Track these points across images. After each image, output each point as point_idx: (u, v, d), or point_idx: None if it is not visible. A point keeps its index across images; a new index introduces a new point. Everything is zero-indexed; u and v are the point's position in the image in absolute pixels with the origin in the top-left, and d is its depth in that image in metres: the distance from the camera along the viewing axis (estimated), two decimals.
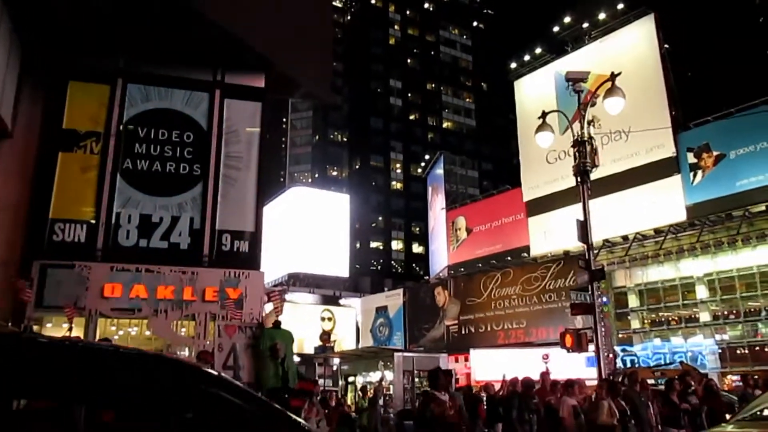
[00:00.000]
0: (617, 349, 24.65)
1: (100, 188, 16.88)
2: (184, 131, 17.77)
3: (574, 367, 17.33)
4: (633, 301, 27.23)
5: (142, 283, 16.47)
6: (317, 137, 78.69)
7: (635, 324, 27.07)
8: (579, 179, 12.73)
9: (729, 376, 22.63)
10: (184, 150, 17.71)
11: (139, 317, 16.64)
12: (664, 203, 25.07)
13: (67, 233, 16.45)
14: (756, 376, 13.72)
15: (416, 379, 23.00)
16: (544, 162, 29.42)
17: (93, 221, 16.79)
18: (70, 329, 10.89)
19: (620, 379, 11.94)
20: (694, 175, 24.85)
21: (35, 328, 15.11)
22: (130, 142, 17.39)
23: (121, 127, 17.41)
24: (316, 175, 75.84)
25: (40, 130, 17.21)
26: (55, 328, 13.88)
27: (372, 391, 16.78)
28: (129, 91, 17.75)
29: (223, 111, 18.19)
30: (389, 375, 23.62)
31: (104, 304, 16.13)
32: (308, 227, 42.89)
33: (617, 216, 25.86)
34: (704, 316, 24.96)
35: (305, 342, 36.01)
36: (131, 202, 17.14)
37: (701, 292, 25.04)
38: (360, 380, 26.95)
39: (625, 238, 26.55)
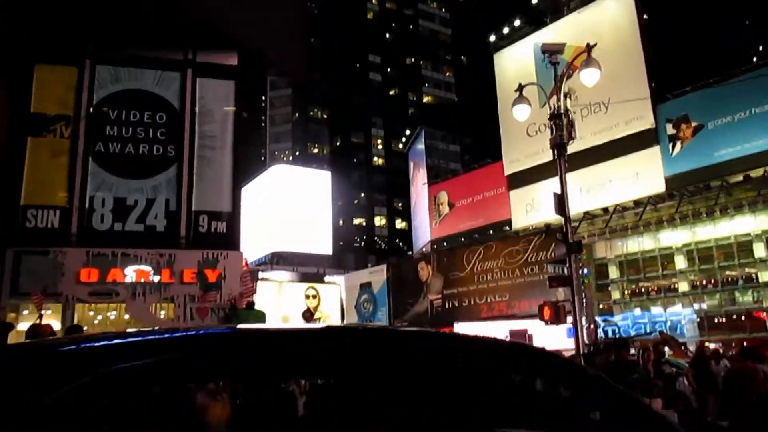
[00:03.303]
0: (598, 319, 24.89)
1: (72, 173, 16.62)
2: (156, 112, 17.50)
3: (557, 339, 17.51)
4: (613, 272, 27.46)
5: (118, 267, 16.33)
6: (297, 115, 78.04)
7: (616, 295, 27.33)
8: (556, 152, 12.65)
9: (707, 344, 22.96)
10: (157, 131, 17.44)
11: (116, 301, 16.51)
12: (644, 175, 25.17)
13: (40, 219, 16.21)
14: (713, 346, 13.67)
15: None
16: (524, 135, 29.35)
17: (66, 206, 16.56)
18: (40, 316, 10.72)
19: (598, 350, 12.02)
20: (673, 147, 24.93)
21: (11, 316, 14.93)
22: (101, 124, 17.10)
23: (91, 110, 17.10)
24: (297, 153, 75.38)
25: (7, 115, 16.87)
26: (31, 315, 13.71)
27: None
28: (98, 73, 17.41)
29: (195, 90, 17.92)
30: None
31: (81, 289, 15.98)
32: (290, 205, 42.67)
33: (597, 188, 25.97)
34: (683, 286, 25.24)
35: (291, 320, 36.02)
36: (105, 186, 16.90)
37: (680, 262, 25.29)
38: None
39: (605, 210, 26.67)
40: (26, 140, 16.48)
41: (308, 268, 40.83)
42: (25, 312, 15.20)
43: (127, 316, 16.71)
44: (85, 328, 14.66)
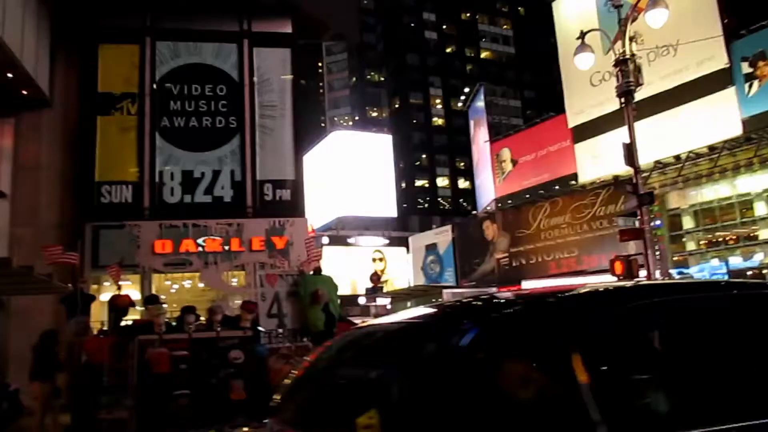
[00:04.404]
0: (673, 272, 24.13)
1: (140, 148, 17.16)
2: (217, 84, 17.77)
3: None
4: (688, 223, 26.44)
5: (190, 238, 16.85)
6: (354, 79, 77.84)
7: (691, 246, 26.36)
8: (623, 100, 12.16)
9: None
10: (219, 103, 17.74)
11: (190, 271, 17.11)
12: (718, 118, 23.92)
13: (114, 194, 16.87)
14: None
15: None
16: (588, 85, 28.34)
17: (137, 181, 17.15)
18: (119, 288, 11.21)
19: None
20: (750, 86, 23.51)
21: (93, 287, 15.70)
22: (165, 100, 17.51)
23: (154, 86, 17.51)
24: (357, 118, 75.41)
25: (77, 96, 17.49)
26: (112, 287, 14.36)
27: None
28: (158, 49, 17.77)
29: (252, 60, 18.07)
30: None
31: (156, 260, 16.61)
32: (353, 170, 42.96)
33: (668, 135, 24.86)
34: (764, 234, 24.09)
35: (358, 283, 36.61)
36: (172, 160, 17.38)
37: (760, 208, 24.07)
38: None
39: (677, 158, 25.55)
40: (96, 119, 17.07)
41: (374, 232, 41.21)
42: (106, 284, 15.93)
43: (201, 285, 17.33)
44: (162, 297, 15.31)
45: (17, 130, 16.77)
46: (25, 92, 16.13)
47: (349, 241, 39.37)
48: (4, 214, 16.15)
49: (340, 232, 39.92)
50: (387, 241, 40.42)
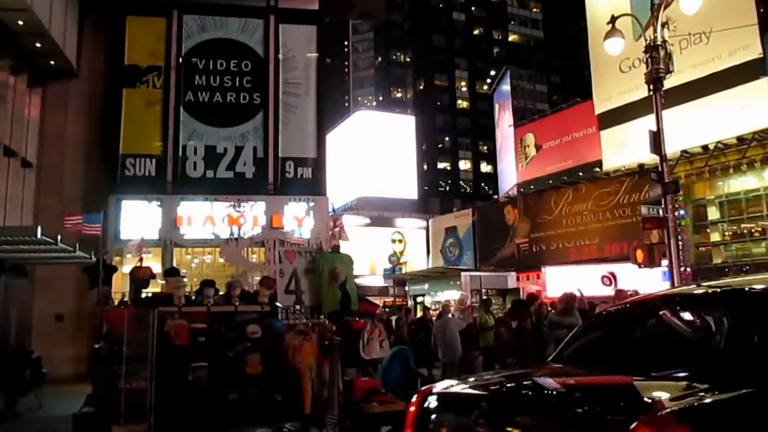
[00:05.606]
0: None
1: (165, 122, 17.26)
2: (242, 60, 17.78)
3: (649, 282, 16.85)
4: (713, 214, 25.99)
5: (212, 213, 16.98)
6: (379, 59, 77.31)
7: (715, 237, 25.97)
8: (651, 87, 11.93)
9: None
10: (243, 79, 17.75)
11: (211, 245, 17.27)
12: (749, 109, 23.39)
13: (138, 168, 17.02)
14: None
15: (484, 298, 23.04)
16: (616, 71, 27.85)
17: (161, 155, 17.28)
18: (141, 260, 11.33)
19: None
20: None
21: (116, 259, 15.91)
22: (190, 74, 17.56)
23: (180, 60, 17.56)
24: (380, 98, 74.99)
25: (103, 68, 17.60)
26: (134, 259, 14.54)
27: (440, 308, 16.94)
28: (185, 23, 17.78)
29: (278, 37, 18.03)
30: (456, 295, 23.74)
31: (178, 234, 16.78)
32: (375, 151, 42.87)
33: (697, 125, 24.37)
34: None
35: (376, 264, 36.69)
36: (196, 134, 17.47)
37: None
38: (428, 300, 27.30)
39: (705, 148, 25.06)
40: (122, 91, 17.18)
41: (394, 213, 41.18)
42: (128, 255, 16.12)
43: (221, 260, 17.48)
44: (183, 270, 15.47)
45: (44, 101, 16.95)
46: (52, 62, 16.27)
47: (398, 223, 39.48)
48: (30, 184, 16.37)
49: (360, 213, 39.93)
50: (424, 224, 40.42)
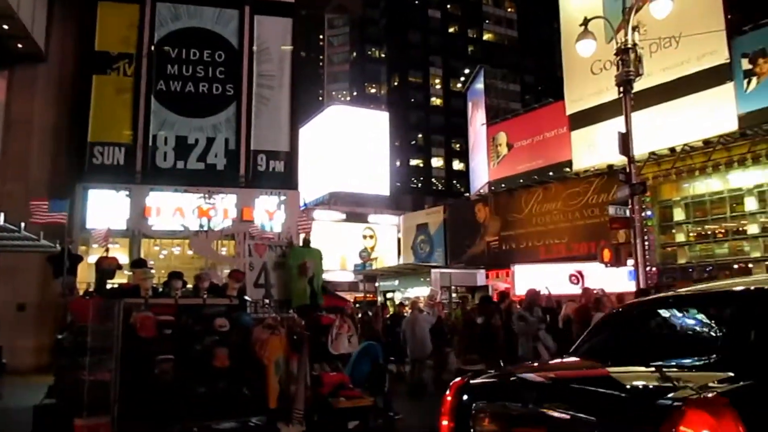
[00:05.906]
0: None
1: (135, 110, 17.00)
2: (215, 50, 17.59)
3: (615, 281, 17.11)
4: (678, 215, 26.54)
5: (181, 204, 16.78)
6: (355, 54, 77.11)
7: (680, 237, 26.52)
8: (621, 89, 12.12)
9: None
10: (216, 70, 17.57)
11: (180, 237, 17.07)
12: (715, 113, 23.90)
13: (107, 156, 16.74)
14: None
15: (453, 295, 23.19)
16: (588, 73, 28.21)
17: (131, 144, 17.02)
18: (107, 250, 11.15)
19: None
20: (748, 83, 23.45)
21: (81, 249, 15.63)
22: (162, 63, 17.32)
23: (152, 48, 17.31)
24: (355, 93, 74.82)
25: (73, 53, 17.24)
26: (100, 249, 14.32)
27: (409, 306, 17.02)
28: (158, 11, 17.53)
29: (253, 28, 17.88)
30: (426, 292, 23.86)
31: (146, 224, 16.55)
32: (348, 146, 42.79)
33: (665, 127, 24.83)
34: (752, 228, 24.24)
35: (347, 260, 36.66)
36: (167, 124, 17.24)
37: (750, 203, 24.18)
38: (398, 296, 27.38)
39: (672, 150, 25.57)
40: (91, 78, 16.88)
41: (365, 209, 41.16)
42: (95, 246, 15.86)
43: (190, 252, 17.30)
44: (151, 262, 15.26)
45: (10, 84, 16.55)
46: (20, 45, 15.90)
47: (370, 219, 39.40)
48: None
49: (332, 208, 39.85)
50: (400, 221, 40.46)
